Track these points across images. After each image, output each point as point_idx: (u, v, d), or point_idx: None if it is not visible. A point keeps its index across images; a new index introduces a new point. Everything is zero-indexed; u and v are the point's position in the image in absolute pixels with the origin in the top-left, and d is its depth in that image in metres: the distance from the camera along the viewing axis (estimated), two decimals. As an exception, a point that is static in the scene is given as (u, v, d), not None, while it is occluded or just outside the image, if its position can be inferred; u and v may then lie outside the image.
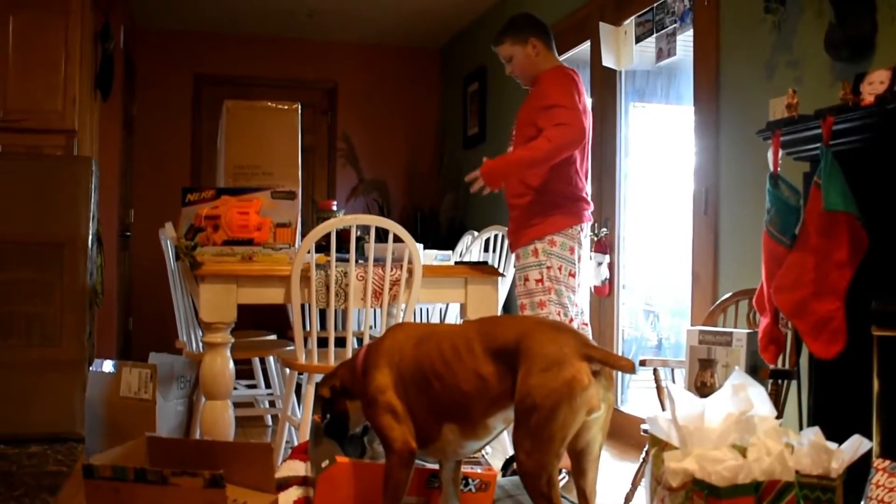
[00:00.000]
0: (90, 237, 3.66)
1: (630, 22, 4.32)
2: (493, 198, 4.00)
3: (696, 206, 3.72)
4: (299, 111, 4.09)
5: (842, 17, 2.77)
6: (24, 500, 2.73)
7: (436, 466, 2.22)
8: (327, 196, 6.98)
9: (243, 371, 4.25)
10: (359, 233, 3.16)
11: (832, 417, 2.43)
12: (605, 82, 4.56)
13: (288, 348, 3.79)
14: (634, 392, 4.70)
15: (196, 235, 3.11)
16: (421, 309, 4.50)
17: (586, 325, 3.49)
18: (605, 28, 4.38)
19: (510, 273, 3.87)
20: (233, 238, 3.11)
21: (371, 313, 3.71)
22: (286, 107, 4.08)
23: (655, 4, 4.10)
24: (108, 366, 3.68)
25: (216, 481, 2.00)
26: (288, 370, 3.37)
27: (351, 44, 7.03)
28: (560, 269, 3.30)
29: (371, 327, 3.89)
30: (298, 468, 2.39)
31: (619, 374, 3.39)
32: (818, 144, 2.41)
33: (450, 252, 3.78)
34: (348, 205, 6.78)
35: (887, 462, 2.02)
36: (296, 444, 3.14)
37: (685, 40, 3.95)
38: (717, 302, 3.11)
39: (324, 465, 2.15)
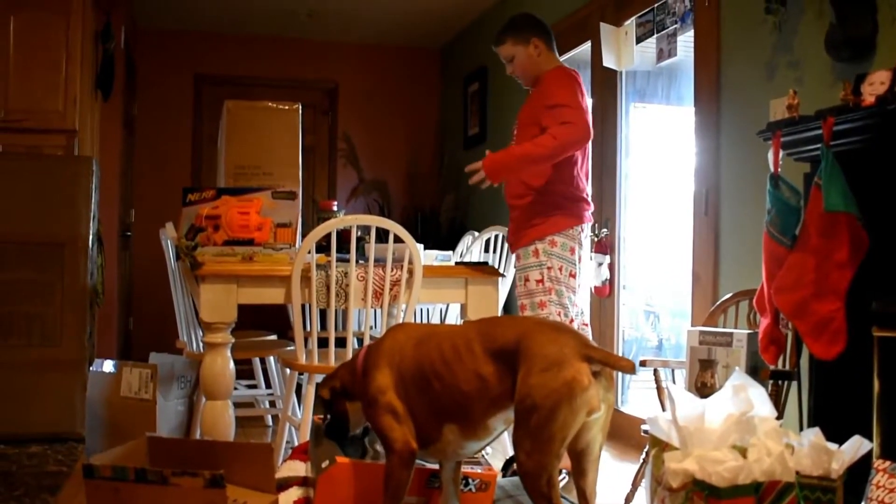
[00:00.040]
0: (91, 237, 3.67)
1: (631, 22, 4.32)
2: (494, 198, 4.01)
3: (696, 207, 3.72)
4: (300, 111, 4.09)
5: (842, 18, 2.77)
6: (25, 500, 2.73)
7: (436, 466, 2.22)
8: (328, 196, 6.99)
9: (244, 371, 4.25)
10: (359, 233, 3.16)
11: (832, 418, 2.43)
12: (606, 83, 4.56)
13: (288, 348, 3.79)
14: (635, 393, 4.70)
15: (196, 235, 3.11)
16: (421, 309, 4.50)
17: (586, 325, 3.49)
18: (605, 28, 4.38)
19: (510, 273, 3.87)
20: (233, 238, 3.11)
21: (371, 314, 3.71)
22: (287, 107, 4.09)
23: (656, 5, 4.10)
24: (108, 366, 3.69)
25: (216, 481, 2.00)
26: (288, 370, 3.37)
27: (351, 44, 7.04)
28: (561, 269, 3.30)
29: (371, 328, 3.89)
30: (299, 468, 2.39)
31: (620, 374, 3.39)
32: (819, 145, 2.41)
33: (450, 252, 3.78)
34: (349, 205, 6.78)
35: (887, 463, 2.02)
36: (296, 444, 3.14)
37: (686, 41, 3.95)
38: (718, 302, 3.11)
39: (324, 465, 2.15)
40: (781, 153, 2.61)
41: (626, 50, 4.36)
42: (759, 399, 2.01)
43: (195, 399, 3.87)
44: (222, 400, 2.98)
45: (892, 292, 2.23)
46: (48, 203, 3.62)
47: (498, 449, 3.67)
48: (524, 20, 3.50)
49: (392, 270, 3.07)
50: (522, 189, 3.38)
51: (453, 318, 4.33)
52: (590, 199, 3.44)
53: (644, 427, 2.62)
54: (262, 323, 4.63)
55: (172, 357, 3.97)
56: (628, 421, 4.08)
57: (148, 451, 2.39)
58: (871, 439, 2.05)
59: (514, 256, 3.48)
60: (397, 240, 3.04)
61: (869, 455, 1.98)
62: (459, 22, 6.50)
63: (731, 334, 2.70)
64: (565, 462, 1.93)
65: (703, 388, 2.68)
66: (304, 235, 3.12)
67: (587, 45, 4.72)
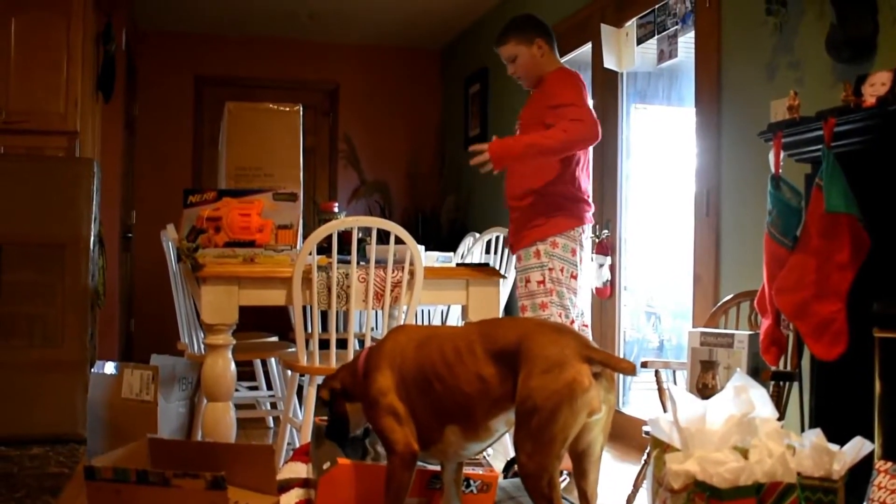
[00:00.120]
0: (92, 238, 3.67)
1: (631, 23, 4.32)
2: (495, 199, 4.01)
3: (697, 208, 3.72)
4: (300, 113, 4.09)
5: (843, 19, 2.77)
6: (26, 502, 2.73)
7: (437, 468, 2.22)
8: (329, 197, 6.99)
9: (245, 373, 4.25)
10: (360, 234, 3.16)
11: (834, 419, 2.43)
12: (607, 84, 4.56)
13: (289, 350, 3.79)
14: (636, 394, 4.70)
15: (198, 237, 3.12)
16: (422, 311, 4.50)
17: (586, 326, 3.49)
18: (606, 30, 4.38)
19: (511, 275, 3.87)
20: (234, 240, 3.11)
21: (373, 315, 3.71)
22: (287, 108, 4.09)
23: (657, 6, 4.10)
24: (109, 367, 3.69)
25: (218, 483, 2.01)
26: (289, 372, 3.37)
27: (352, 45, 7.04)
28: (562, 270, 3.30)
29: (372, 329, 3.89)
30: (300, 470, 2.39)
31: (621, 375, 3.39)
32: (820, 146, 2.41)
33: (451, 254, 3.78)
34: (350, 206, 6.78)
35: (889, 464, 2.02)
36: (297, 445, 3.14)
37: (686, 42, 3.95)
38: (719, 303, 3.11)
39: (325, 466, 2.15)
40: (782, 154, 2.61)
41: (626, 51, 4.36)
42: (760, 400, 2.01)
43: (196, 401, 3.87)
44: (223, 401, 2.98)
45: (893, 293, 2.23)
46: (49, 204, 3.62)
47: (499, 450, 3.67)
48: (527, 21, 3.50)
49: (393, 272, 3.07)
50: (523, 190, 3.38)
51: (454, 319, 4.33)
52: (591, 200, 3.44)
53: (645, 428, 2.62)
54: (264, 324, 4.63)
55: (174, 359, 3.97)
56: (629, 422, 4.07)
57: (149, 453, 2.39)
58: (872, 440, 2.05)
59: (514, 257, 3.48)
60: (398, 241, 3.04)
61: (870, 456, 1.98)
62: (460, 23, 6.50)
63: (732, 335, 2.70)
64: (566, 463, 1.93)
65: (704, 390, 2.68)
66: (305, 237, 3.12)
67: (588, 47, 4.72)
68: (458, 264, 3.44)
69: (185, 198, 3.17)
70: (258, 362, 4.47)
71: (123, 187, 5.75)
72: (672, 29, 4.02)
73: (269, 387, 4.44)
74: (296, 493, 2.28)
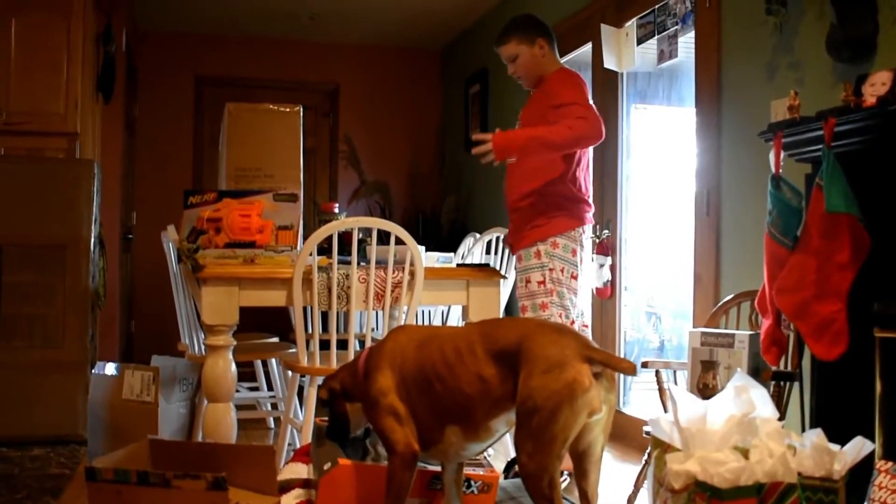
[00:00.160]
0: (92, 239, 3.67)
1: (631, 24, 4.32)
2: (495, 200, 4.00)
3: (697, 208, 3.71)
4: (301, 113, 4.09)
5: (843, 19, 2.77)
6: (27, 503, 2.73)
7: (438, 468, 2.22)
8: (329, 198, 6.99)
9: (245, 373, 4.25)
10: (361, 235, 3.16)
11: (834, 419, 2.43)
12: (607, 84, 4.56)
13: (290, 351, 3.79)
14: (636, 394, 4.70)
15: (198, 238, 3.12)
16: (423, 311, 4.50)
17: (586, 326, 3.49)
18: (606, 30, 4.38)
19: (512, 275, 3.87)
20: (235, 240, 3.11)
21: (373, 316, 3.71)
22: (288, 109, 4.09)
23: (657, 6, 4.10)
24: (110, 368, 3.69)
25: (219, 484, 2.01)
26: (290, 372, 3.37)
27: (352, 45, 7.04)
28: (562, 271, 3.30)
29: (373, 330, 3.89)
30: (301, 470, 2.39)
31: (621, 375, 3.39)
32: (820, 146, 2.41)
33: (451, 254, 3.78)
34: (350, 207, 6.78)
35: (890, 464, 2.02)
36: (298, 446, 3.14)
37: (687, 42, 3.95)
38: (719, 303, 3.11)
39: (326, 467, 2.15)
40: (782, 154, 2.61)
41: (626, 51, 4.36)
42: (760, 400, 2.01)
43: (197, 401, 3.87)
44: (224, 402, 2.98)
45: (894, 293, 2.23)
46: (50, 206, 3.63)
47: (500, 450, 3.67)
48: (528, 21, 3.50)
49: (393, 272, 3.08)
50: (523, 190, 3.38)
51: (455, 320, 4.33)
52: (591, 200, 3.44)
53: (646, 428, 2.62)
54: (264, 325, 4.63)
55: (174, 359, 3.97)
56: (630, 422, 4.07)
57: (150, 454, 2.39)
58: (873, 440, 2.05)
59: (514, 258, 3.48)
60: (399, 242, 3.04)
61: (871, 456, 1.98)
62: (460, 23, 6.50)
63: (732, 335, 2.70)
64: (567, 463, 1.93)
65: (704, 390, 2.68)
66: (305, 238, 3.12)
67: (588, 47, 4.72)
68: (458, 265, 3.44)
69: (186, 199, 3.17)
70: (259, 363, 4.47)
71: (124, 188, 5.75)
72: (672, 29, 4.02)
73: (270, 387, 4.44)
74: (296, 494, 2.28)
